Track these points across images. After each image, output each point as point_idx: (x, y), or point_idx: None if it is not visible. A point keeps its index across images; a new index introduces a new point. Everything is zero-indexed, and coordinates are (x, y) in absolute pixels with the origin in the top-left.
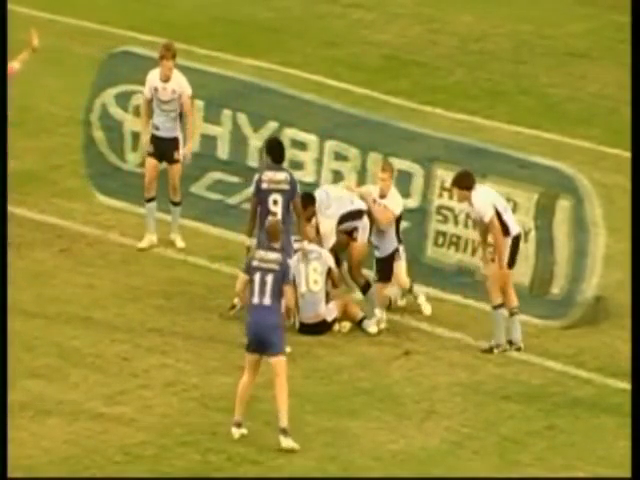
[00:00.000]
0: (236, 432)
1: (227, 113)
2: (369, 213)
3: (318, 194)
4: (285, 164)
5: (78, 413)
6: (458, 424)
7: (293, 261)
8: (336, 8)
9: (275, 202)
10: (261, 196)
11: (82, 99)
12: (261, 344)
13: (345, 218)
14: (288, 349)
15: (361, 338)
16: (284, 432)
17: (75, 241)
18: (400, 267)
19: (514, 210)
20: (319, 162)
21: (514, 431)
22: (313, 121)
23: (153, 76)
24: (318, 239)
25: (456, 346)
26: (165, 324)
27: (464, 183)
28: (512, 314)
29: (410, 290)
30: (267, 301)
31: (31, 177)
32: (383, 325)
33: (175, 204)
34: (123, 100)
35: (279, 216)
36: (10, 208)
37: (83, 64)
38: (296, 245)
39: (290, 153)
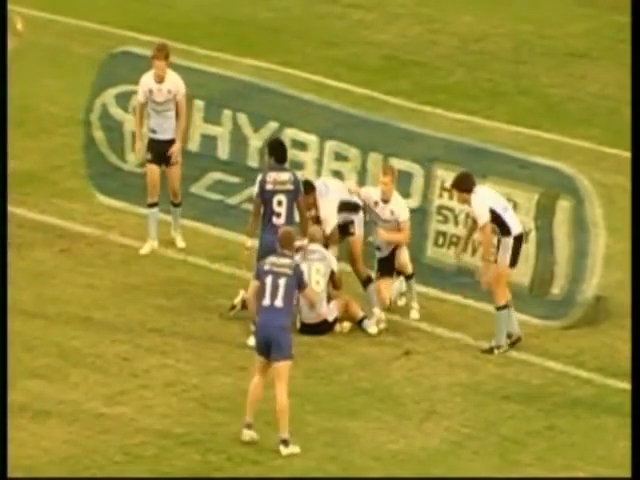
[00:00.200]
0: (247, 434)
1: (227, 113)
2: (364, 209)
3: (317, 184)
4: (286, 164)
5: (78, 413)
6: (458, 424)
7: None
8: (336, 8)
9: (280, 203)
10: (265, 197)
11: (82, 99)
12: (268, 346)
13: (344, 206)
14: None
15: (361, 338)
16: (284, 443)
17: (75, 241)
18: (403, 252)
19: (514, 211)
20: (319, 162)
21: (514, 431)
22: (313, 121)
23: (147, 79)
24: (323, 239)
25: (456, 346)
26: (165, 324)
27: (464, 186)
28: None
29: (411, 277)
30: (279, 303)
31: (31, 177)
32: (383, 325)
33: (175, 205)
34: (123, 100)
35: (283, 216)
36: (10, 208)
37: (83, 64)
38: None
39: (290, 153)
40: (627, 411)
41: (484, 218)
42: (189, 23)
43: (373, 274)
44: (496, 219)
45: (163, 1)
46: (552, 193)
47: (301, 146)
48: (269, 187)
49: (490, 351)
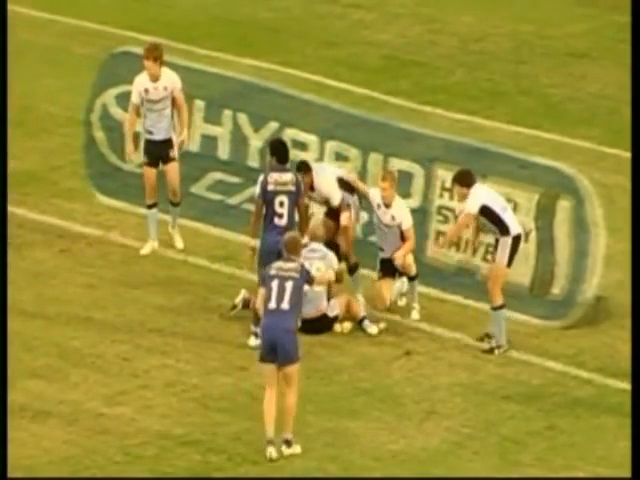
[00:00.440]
0: (272, 451)
1: (227, 113)
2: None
3: (313, 166)
4: (288, 165)
5: (78, 413)
6: (458, 424)
7: None
8: (336, 8)
9: (281, 204)
10: (267, 198)
11: (82, 99)
12: (274, 350)
13: (342, 184)
14: None
15: (361, 338)
16: (287, 443)
17: (75, 241)
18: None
19: (514, 211)
20: (319, 162)
21: (514, 431)
22: (313, 121)
23: (141, 79)
24: (325, 236)
25: (456, 346)
26: (165, 324)
27: (465, 180)
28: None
29: (414, 278)
30: (285, 306)
31: (31, 177)
32: (383, 325)
33: (174, 205)
34: (123, 100)
35: (285, 217)
36: (10, 208)
37: (83, 64)
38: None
39: (291, 153)
40: (627, 411)
41: (471, 208)
42: (189, 23)
43: (375, 274)
44: (493, 218)
45: (163, 1)
46: (552, 193)
47: (301, 146)
48: (271, 188)
49: (490, 351)
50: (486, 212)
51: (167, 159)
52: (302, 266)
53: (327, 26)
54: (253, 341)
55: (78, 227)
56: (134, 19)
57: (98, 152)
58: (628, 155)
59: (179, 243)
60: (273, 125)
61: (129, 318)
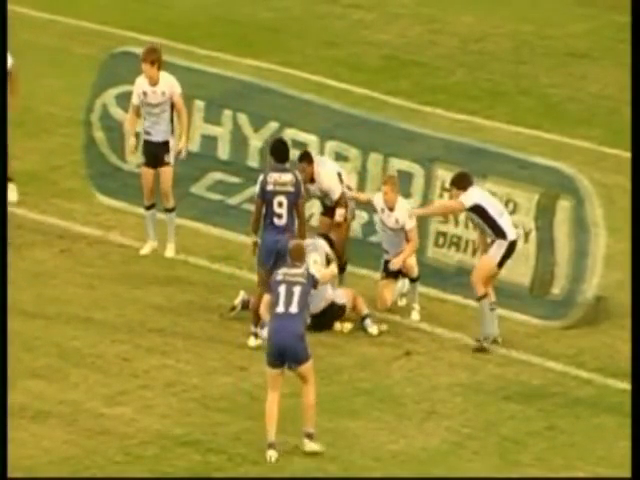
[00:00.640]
0: (273, 454)
1: (227, 113)
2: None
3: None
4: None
5: (78, 413)
6: (458, 424)
7: None
8: (336, 8)
9: (280, 204)
10: (266, 197)
11: (82, 99)
12: (283, 354)
13: (341, 178)
14: None
15: (362, 338)
16: (309, 436)
17: (75, 241)
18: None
19: (514, 211)
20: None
21: (514, 431)
22: (313, 121)
23: (141, 81)
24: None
25: (456, 346)
26: (165, 324)
27: (462, 183)
28: (491, 309)
29: (416, 279)
30: (294, 309)
31: (31, 177)
32: (384, 327)
33: (169, 210)
34: (124, 100)
35: (284, 217)
36: (10, 208)
37: (83, 64)
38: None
39: (290, 154)
40: (627, 411)
41: (464, 200)
42: (189, 23)
43: (377, 275)
44: (488, 220)
45: (163, 1)
46: (552, 193)
47: (301, 146)
48: (270, 188)
49: (481, 347)
50: (479, 212)
51: (162, 162)
52: (307, 271)
53: (327, 26)
54: (253, 341)
55: (78, 227)
56: (134, 19)
57: (98, 152)
58: (628, 155)
59: (169, 252)
60: (273, 125)
61: (129, 318)
